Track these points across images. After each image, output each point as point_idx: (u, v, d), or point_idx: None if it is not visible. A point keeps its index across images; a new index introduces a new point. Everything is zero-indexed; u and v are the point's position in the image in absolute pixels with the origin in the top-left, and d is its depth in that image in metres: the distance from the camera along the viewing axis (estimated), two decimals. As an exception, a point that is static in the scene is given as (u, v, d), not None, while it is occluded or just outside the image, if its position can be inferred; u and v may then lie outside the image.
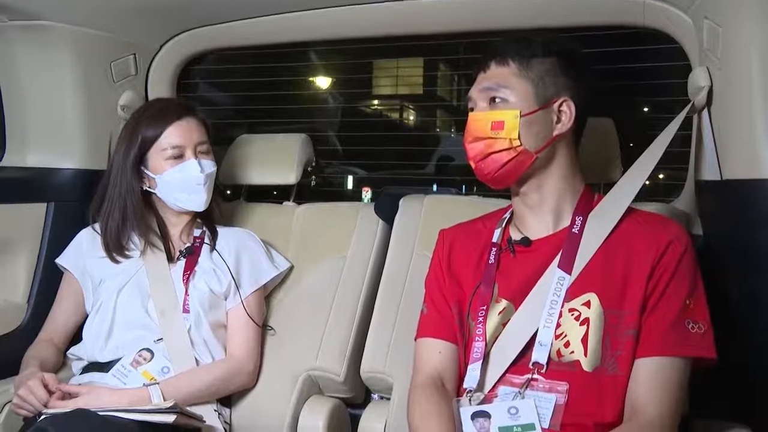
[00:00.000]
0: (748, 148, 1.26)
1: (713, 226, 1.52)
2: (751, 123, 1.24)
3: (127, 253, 1.69)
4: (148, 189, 1.69)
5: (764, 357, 1.31)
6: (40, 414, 1.42)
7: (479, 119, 1.30)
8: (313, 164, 2.04)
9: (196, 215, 1.76)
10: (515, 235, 1.35)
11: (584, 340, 1.21)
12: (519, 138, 1.26)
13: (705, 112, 1.45)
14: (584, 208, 1.32)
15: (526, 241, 1.33)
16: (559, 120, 1.29)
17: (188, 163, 1.65)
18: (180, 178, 1.65)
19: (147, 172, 1.67)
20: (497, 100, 1.29)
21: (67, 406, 1.40)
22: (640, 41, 1.77)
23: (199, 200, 1.68)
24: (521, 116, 1.26)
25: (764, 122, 1.22)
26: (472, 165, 1.32)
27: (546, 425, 1.18)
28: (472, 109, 1.34)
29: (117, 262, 1.68)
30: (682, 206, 1.67)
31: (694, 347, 1.20)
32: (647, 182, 1.40)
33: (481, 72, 1.33)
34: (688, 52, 1.58)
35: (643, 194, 1.44)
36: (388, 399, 1.61)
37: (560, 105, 1.29)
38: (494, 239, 1.37)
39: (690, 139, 1.62)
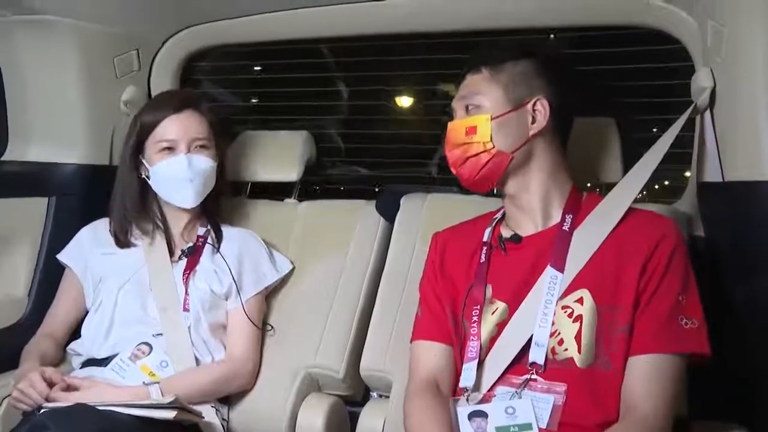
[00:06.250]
0: (750, 149, 1.25)
1: (715, 228, 1.52)
2: (754, 125, 1.23)
3: (132, 241, 1.70)
4: (145, 178, 1.70)
5: (765, 359, 1.30)
6: (40, 408, 1.41)
7: (455, 128, 1.36)
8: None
9: (200, 213, 1.77)
10: (506, 233, 1.37)
11: (578, 338, 1.22)
12: (491, 140, 1.31)
13: (707, 114, 1.45)
14: (573, 206, 1.34)
15: (516, 238, 1.34)
16: (534, 120, 1.32)
17: (177, 158, 1.65)
18: (168, 173, 1.66)
19: (143, 161, 1.68)
20: (470, 107, 1.35)
21: (67, 400, 1.40)
22: (643, 42, 1.77)
23: (184, 196, 1.67)
24: (492, 119, 1.31)
25: (767, 124, 1.21)
26: (454, 171, 1.38)
27: (544, 425, 1.18)
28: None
29: (124, 247, 1.70)
30: (684, 207, 1.66)
31: (688, 343, 1.20)
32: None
33: (460, 83, 1.40)
34: (692, 53, 1.57)
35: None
36: (387, 397, 1.61)
37: (534, 104, 1.32)
38: (484, 238, 1.39)
39: (692, 140, 1.61)
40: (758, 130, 1.22)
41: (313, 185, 2.33)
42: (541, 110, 1.32)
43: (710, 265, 1.44)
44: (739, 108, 1.30)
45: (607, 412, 1.18)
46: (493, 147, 1.31)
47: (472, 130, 1.32)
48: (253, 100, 2.65)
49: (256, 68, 2.47)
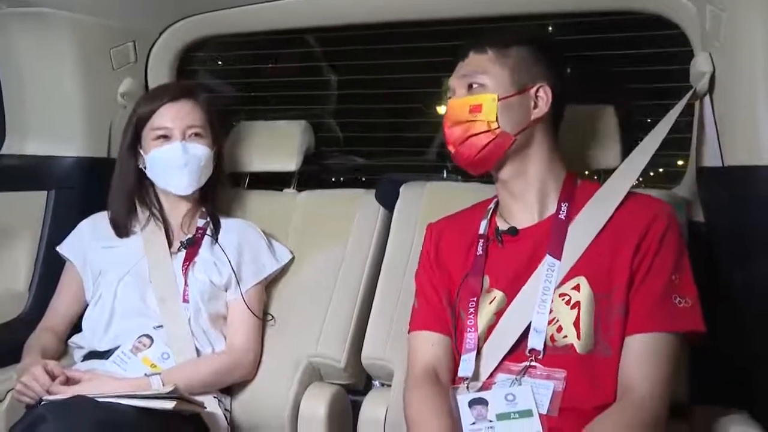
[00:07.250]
0: (749, 134, 1.25)
1: (715, 213, 1.52)
2: (753, 109, 1.23)
3: (133, 229, 1.71)
4: (142, 168, 1.70)
5: (762, 343, 1.31)
6: (42, 401, 1.42)
7: (458, 105, 1.34)
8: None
9: (198, 203, 1.76)
10: (502, 225, 1.36)
11: (576, 324, 1.22)
12: (497, 120, 1.29)
13: (707, 99, 1.44)
14: (568, 194, 1.33)
15: (513, 231, 1.34)
16: (536, 105, 1.32)
17: (172, 146, 1.66)
18: (162, 159, 1.66)
19: (140, 150, 1.69)
20: (475, 86, 1.32)
21: (68, 392, 1.41)
22: (641, 27, 1.76)
23: (179, 182, 1.68)
24: (499, 100, 1.29)
25: (766, 108, 1.21)
26: (452, 150, 1.36)
27: (544, 411, 1.18)
28: (450, 98, 1.37)
29: (124, 237, 1.70)
30: (683, 193, 1.66)
31: (682, 322, 1.20)
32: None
33: (460, 61, 1.37)
34: (691, 38, 1.57)
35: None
36: (389, 386, 1.61)
37: (537, 91, 1.32)
38: (481, 231, 1.38)
39: (692, 125, 1.61)
40: (757, 114, 1.22)
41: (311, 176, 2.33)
42: (543, 97, 1.31)
43: (710, 250, 1.44)
44: (738, 92, 1.30)
45: (606, 395, 1.18)
46: (498, 127, 1.29)
47: (476, 108, 1.30)
48: (249, 91, 2.65)
49: (251, 58, 2.47)
